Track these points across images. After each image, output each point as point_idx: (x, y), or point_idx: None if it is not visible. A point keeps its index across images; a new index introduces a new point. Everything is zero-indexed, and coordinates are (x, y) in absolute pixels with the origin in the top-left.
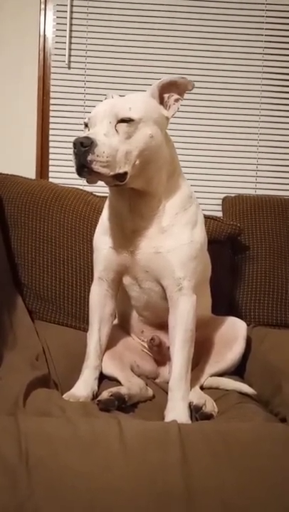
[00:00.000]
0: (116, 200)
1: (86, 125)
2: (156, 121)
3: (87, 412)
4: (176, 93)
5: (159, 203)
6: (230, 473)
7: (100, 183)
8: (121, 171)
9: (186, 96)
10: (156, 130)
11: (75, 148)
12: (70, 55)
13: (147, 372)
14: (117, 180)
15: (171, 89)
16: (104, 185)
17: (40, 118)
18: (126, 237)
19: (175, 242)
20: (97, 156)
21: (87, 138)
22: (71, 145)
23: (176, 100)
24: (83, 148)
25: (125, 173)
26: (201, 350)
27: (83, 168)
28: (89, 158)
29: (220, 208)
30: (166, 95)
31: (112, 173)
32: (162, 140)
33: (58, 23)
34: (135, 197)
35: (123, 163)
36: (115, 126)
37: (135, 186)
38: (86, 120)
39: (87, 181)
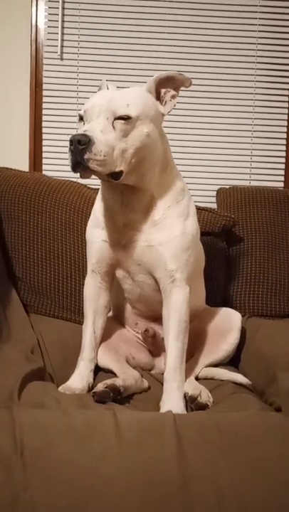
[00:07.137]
0: (108, 194)
1: (81, 118)
2: (152, 119)
3: (83, 404)
4: (173, 88)
5: (151, 197)
6: (226, 462)
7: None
8: (117, 169)
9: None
10: (152, 128)
11: (71, 145)
12: (62, 46)
13: (142, 364)
14: (112, 178)
15: (168, 85)
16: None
17: (32, 110)
18: (118, 230)
19: (167, 235)
20: (94, 154)
21: (84, 135)
22: (65, 137)
23: (173, 97)
24: (80, 146)
25: (121, 172)
26: (196, 341)
27: (79, 165)
28: (86, 156)
29: (214, 199)
30: (162, 90)
31: (107, 172)
32: (158, 137)
33: (50, 14)
34: (127, 191)
35: (119, 162)
36: (112, 122)
37: (128, 182)
38: (81, 112)
39: (81, 176)
